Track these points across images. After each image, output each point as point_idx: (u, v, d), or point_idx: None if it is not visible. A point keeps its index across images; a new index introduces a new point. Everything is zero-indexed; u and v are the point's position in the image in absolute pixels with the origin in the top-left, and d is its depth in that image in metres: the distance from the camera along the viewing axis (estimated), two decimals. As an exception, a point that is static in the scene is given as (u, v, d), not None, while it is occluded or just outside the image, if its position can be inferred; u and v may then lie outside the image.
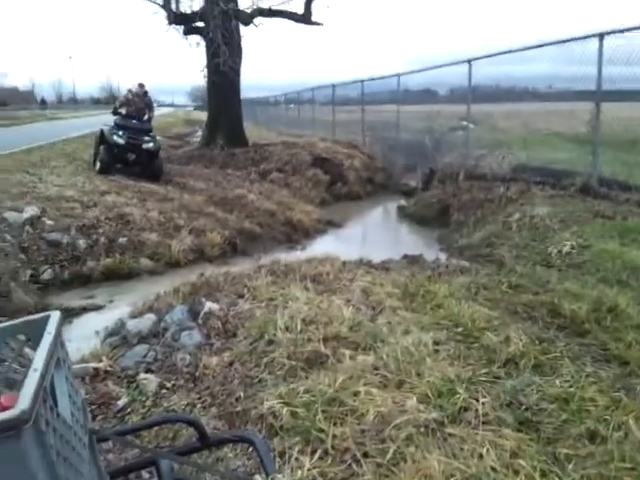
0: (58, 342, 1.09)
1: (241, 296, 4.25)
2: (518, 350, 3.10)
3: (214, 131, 16.61)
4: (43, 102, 78.21)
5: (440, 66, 11.73)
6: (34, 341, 1.09)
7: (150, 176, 10.49)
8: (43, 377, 0.90)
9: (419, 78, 13.43)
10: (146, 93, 11.40)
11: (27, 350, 1.19)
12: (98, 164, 10.68)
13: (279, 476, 1.18)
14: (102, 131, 10.68)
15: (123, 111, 10.83)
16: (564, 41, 7.78)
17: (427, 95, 14.63)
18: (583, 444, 2.32)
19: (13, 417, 0.78)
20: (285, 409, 2.57)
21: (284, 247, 7.94)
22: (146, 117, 11.14)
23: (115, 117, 10.79)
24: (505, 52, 9.28)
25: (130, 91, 11.34)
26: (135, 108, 10.98)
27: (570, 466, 2.17)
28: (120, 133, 10.27)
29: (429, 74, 12.72)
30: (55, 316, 1.15)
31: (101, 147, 10.57)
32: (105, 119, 11.92)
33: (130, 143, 10.29)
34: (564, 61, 7.84)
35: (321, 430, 2.41)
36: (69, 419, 1.06)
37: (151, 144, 10.62)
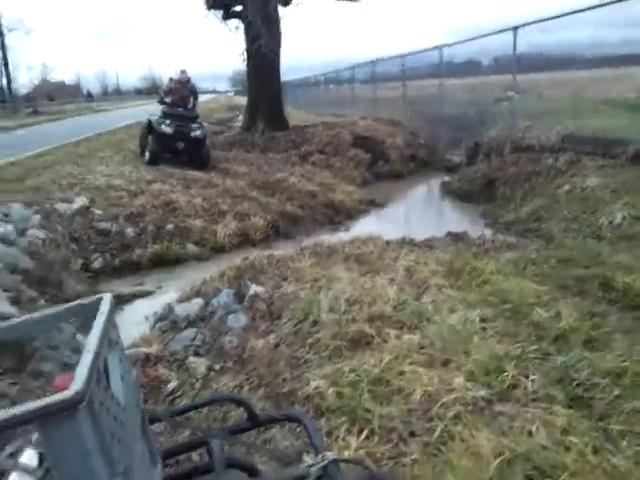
0: (110, 323, 1.12)
1: (285, 278, 4.29)
2: (568, 325, 3.03)
3: (254, 115, 16.66)
4: (89, 95, 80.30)
5: (484, 35, 11.36)
6: (87, 324, 1.12)
7: (198, 164, 10.45)
8: (96, 358, 0.92)
9: (461, 49, 13.07)
10: (189, 80, 11.27)
11: (79, 336, 1.23)
12: (147, 154, 10.66)
13: (329, 453, 1.18)
14: (149, 121, 10.64)
15: (168, 100, 10.77)
16: (611, 2, 7.41)
17: (470, 66, 14.26)
18: (637, 420, 2.25)
19: (67, 397, 0.80)
20: (331, 389, 2.59)
21: (327, 229, 7.95)
22: (190, 104, 11.05)
23: (162, 106, 10.76)
24: (551, 18, 8.87)
25: (172, 79, 11.25)
26: (179, 96, 10.91)
27: (624, 442, 2.12)
28: (167, 122, 10.19)
29: (471, 44, 12.37)
30: (107, 298, 1.18)
31: (149, 137, 10.57)
32: (149, 109, 12.11)
33: (178, 131, 10.20)
34: (612, 24, 7.49)
35: (367, 410, 2.42)
36: (122, 400, 1.09)
37: (199, 131, 10.54)
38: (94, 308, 1.13)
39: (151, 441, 1.29)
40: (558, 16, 8.70)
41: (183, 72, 11.17)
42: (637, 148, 7.15)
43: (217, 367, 3.14)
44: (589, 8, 7.92)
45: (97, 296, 1.20)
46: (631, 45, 7.26)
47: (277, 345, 3.28)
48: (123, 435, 1.02)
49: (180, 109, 10.67)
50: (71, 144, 13.67)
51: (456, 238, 5.73)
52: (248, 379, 2.97)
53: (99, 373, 0.93)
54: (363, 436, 2.28)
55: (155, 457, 1.29)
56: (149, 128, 10.65)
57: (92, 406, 0.86)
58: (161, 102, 10.85)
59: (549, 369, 2.62)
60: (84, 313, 1.16)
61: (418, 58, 15.49)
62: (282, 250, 5.69)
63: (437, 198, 10.16)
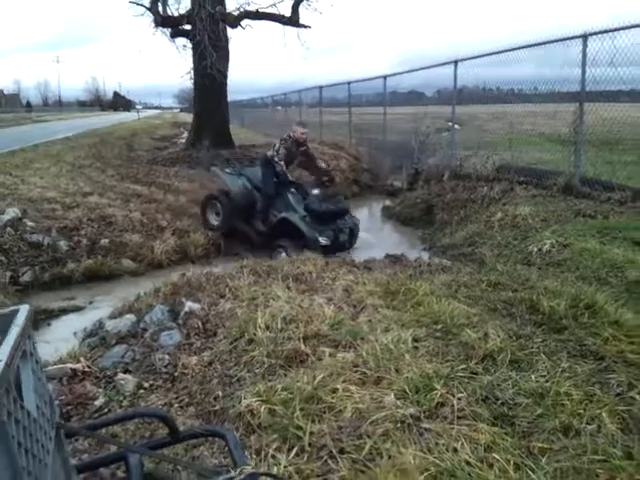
0: (25, 335, 1.10)
1: (222, 296, 4.24)
2: (496, 346, 3.11)
3: (200, 132, 16.57)
4: (28, 105, 78.09)
5: (426, 67, 11.77)
6: (3, 335, 1.09)
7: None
8: (7, 368, 0.90)
9: (405, 79, 13.49)
10: (306, 140, 7.70)
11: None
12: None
13: (248, 467, 1.18)
14: (285, 219, 7.07)
15: (280, 167, 7.16)
16: (549, 42, 7.84)
17: (414, 97, 14.74)
18: (557, 438, 2.33)
19: (-29, 405, 0.78)
20: (263, 407, 2.56)
21: (269, 248, 7.91)
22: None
23: (280, 185, 7.30)
24: (491, 53, 9.28)
25: (289, 137, 7.43)
26: (289, 162, 7.47)
27: (544, 459, 2.19)
28: (322, 228, 6.89)
29: (415, 75, 12.79)
30: (24, 310, 1.16)
31: (285, 241, 6.98)
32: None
33: (338, 242, 6.97)
34: (549, 62, 7.93)
35: (299, 427, 2.41)
36: (34, 412, 1.06)
37: (356, 228, 7.28)
38: (11, 319, 1.10)
39: (66, 455, 1.25)
40: (497, 52, 9.11)
41: (303, 126, 7.79)
42: (567, 180, 7.54)
43: (146, 385, 3.06)
44: (528, 46, 8.32)
45: (15, 307, 1.17)
46: (567, 83, 7.71)
47: (211, 363, 3.23)
48: (33, 447, 0.99)
49: (320, 200, 7.11)
50: (5, 154, 13.15)
51: (394, 260, 5.85)
52: (178, 397, 2.91)
53: (9, 384, 0.91)
54: (293, 453, 2.26)
55: (70, 470, 1.25)
56: (281, 223, 7.15)
57: (-1, 416, 0.84)
58: (280, 180, 7.30)
59: (476, 388, 2.68)
60: (1, 323, 1.13)
61: (364, 85, 15.86)
62: (222, 268, 5.64)
63: (379, 221, 10.34)
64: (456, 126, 11.09)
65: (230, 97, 18.98)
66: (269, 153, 7.42)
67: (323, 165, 7.71)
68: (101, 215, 7.29)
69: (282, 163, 7.11)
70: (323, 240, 6.80)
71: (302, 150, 7.50)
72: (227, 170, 8.03)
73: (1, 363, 0.90)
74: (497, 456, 2.17)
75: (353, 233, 7.12)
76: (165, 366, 3.23)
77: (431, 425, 2.39)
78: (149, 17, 16.65)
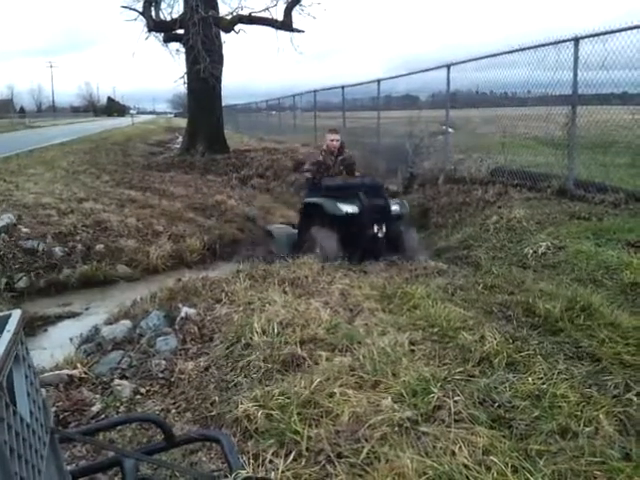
0: (18, 339, 1.09)
1: (219, 301, 4.24)
2: (492, 349, 3.12)
3: (194, 137, 16.59)
4: (22, 110, 78.09)
5: (419, 71, 11.80)
6: (-5, 340, 1.08)
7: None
8: (-1, 373, 0.90)
9: (400, 83, 13.53)
10: (342, 145, 7.00)
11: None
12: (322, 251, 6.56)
13: (243, 472, 1.17)
14: (308, 204, 6.64)
15: (309, 175, 6.76)
16: (541, 45, 7.87)
17: (408, 101, 14.77)
18: (555, 440, 2.33)
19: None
20: (260, 412, 2.56)
21: (265, 251, 7.90)
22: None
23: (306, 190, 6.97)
24: (483, 57, 9.28)
25: (322, 151, 7.01)
26: (327, 174, 6.72)
27: (541, 462, 2.18)
28: (345, 198, 6.10)
29: (409, 79, 12.82)
30: (16, 314, 1.15)
31: (314, 230, 6.26)
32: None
33: (370, 209, 6.00)
34: (542, 66, 7.96)
35: (296, 432, 2.40)
36: (27, 417, 1.05)
37: (398, 205, 6.40)
38: (3, 324, 1.09)
39: (61, 460, 1.24)
40: (489, 55, 9.12)
41: (334, 132, 7.14)
42: (561, 182, 7.56)
43: (143, 390, 3.05)
44: (520, 49, 8.33)
45: (6, 312, 1.16)
46: (560, 86, 7.73)
47: (207, 368, 3.22)
48: (26, 452, 0.98)
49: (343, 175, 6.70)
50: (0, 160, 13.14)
51: (390, 263, 5.84)
52: (175, 403, 2.90)
53: (1, 388, 0.90)
54: (291, 458, 2.25)
55: (65, 476, 1.24)
56: (306, 214, 6.74)
57: (-10, 422, 0.83)
58: (315, 187, 6.58)
59: (473, 391, 2.68)
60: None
61: (358, 90, 15.89)
62: (218, 272, 5.63)
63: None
64: (450, 130, 11.10)
65: (225, 102, 19.07)
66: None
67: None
68: (96, 221, 7.28)
69: (308, 172, 6.77)
70: (346, 207, 5.95)
71: (341, 159, 6.85)
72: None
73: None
74: (495, 459, 2.17)
75: (386, 210, 6.09)
76: (162, 372, 3.22)
77: (428, 428, 2.38)
78: (142, 22, 16.69)
